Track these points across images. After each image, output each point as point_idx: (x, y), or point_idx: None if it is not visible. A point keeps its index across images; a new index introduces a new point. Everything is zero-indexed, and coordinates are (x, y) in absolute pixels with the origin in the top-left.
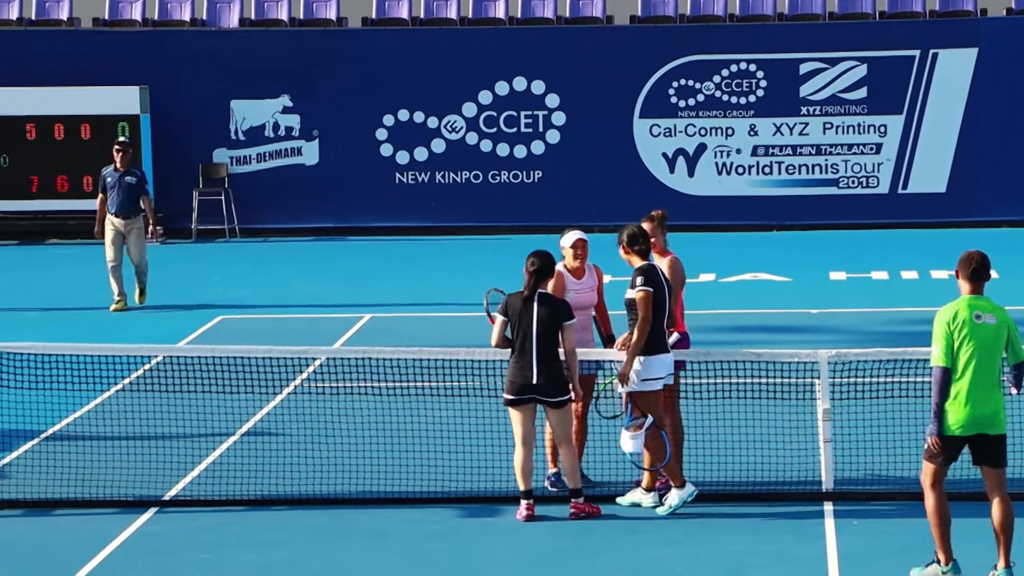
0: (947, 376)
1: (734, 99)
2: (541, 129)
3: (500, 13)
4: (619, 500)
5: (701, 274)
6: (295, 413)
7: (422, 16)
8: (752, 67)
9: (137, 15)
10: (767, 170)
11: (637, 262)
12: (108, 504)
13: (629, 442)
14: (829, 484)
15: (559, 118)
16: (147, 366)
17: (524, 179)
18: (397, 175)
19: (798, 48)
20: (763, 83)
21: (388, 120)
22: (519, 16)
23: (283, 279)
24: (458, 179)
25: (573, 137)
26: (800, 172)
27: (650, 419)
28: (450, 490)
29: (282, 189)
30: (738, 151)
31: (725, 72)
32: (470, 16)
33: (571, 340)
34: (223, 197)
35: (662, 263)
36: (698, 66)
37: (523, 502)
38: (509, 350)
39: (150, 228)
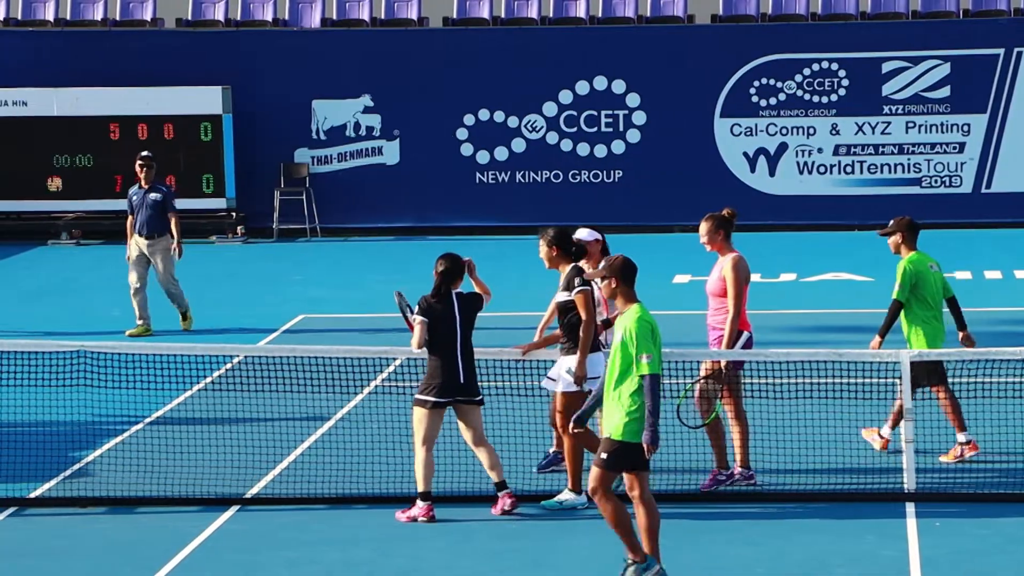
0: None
1: (816, 98)
2: (621, 128)
3: (581, 12)
4: (544, 503)
5: (782, 274)
6: (375, 412)
7: (503, 16)
8: (834, 66)
9: (220, 15)
10: (849, 169)
11: (566, 265)
12: (190, 502)
13: None
14: (911, 484)
15: (640, 117)
16: (228, 365)
17: (604, 179)
18: (477, 175)
19: (880, 47)
20: (845, 82)
21: (469, 120)
22: (600, 15)
23: (363, 278)
24: (538, 179)
25: (654, 136)
26: (882, 172)
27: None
28: (529, 488)
29: (363, 189)
30: (819, 150)
31: (807, 71)
32: (551, 16)
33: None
34: (304, 197)
35: (725, 261)
36: (779, 65)
37: (423, 504)
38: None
39: (174, 247)
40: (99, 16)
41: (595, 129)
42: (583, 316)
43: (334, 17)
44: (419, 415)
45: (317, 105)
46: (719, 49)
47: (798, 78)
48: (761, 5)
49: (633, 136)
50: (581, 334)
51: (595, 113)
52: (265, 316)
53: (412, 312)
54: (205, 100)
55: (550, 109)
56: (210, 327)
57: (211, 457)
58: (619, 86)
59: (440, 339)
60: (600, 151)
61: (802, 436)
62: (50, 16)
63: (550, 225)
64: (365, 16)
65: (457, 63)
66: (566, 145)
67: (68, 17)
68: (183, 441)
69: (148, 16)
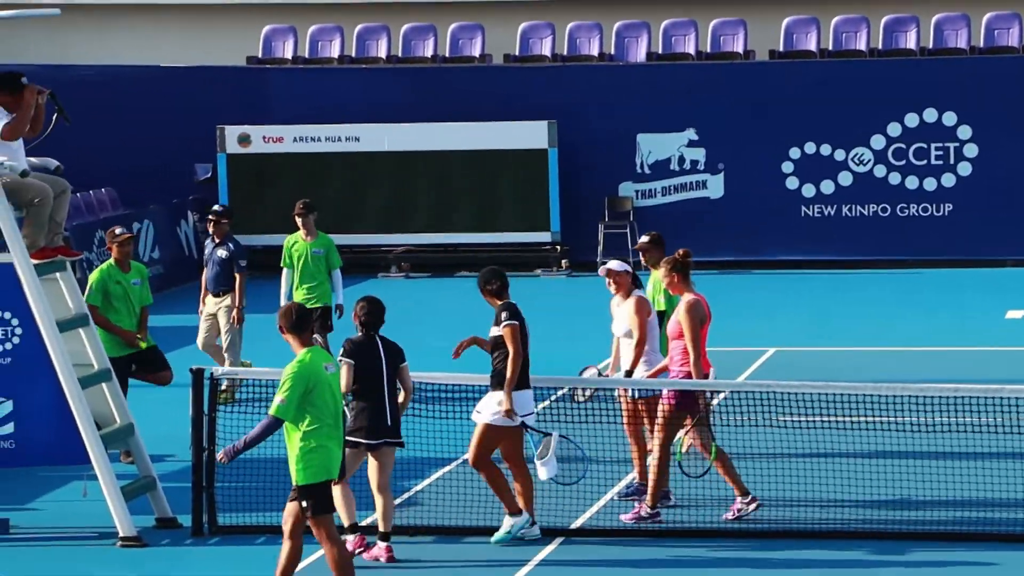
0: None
1: None
2: (952, 161)
3: (911, 44)
4: (494, 539)
5: None
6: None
7: (830, 48)
8: None
9: (547, 51)
10: None
11: (496, 301)
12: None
13: (543, 469)
14: None
15: (971, 150)
16: (553, 397)
17: (934, 212)
18: (803, 208)
19: None
20: None
21: (794, 153)
22: (931, 47)
23: None
24: (865, 212)
25: (986, 169)
26: None
27: (555, 435)
28: (863, 524)
29: (686, 222)
30: None
31: None
32: (880, 47)
33: (408, 381)
34: (628, 230)
35: (681, 304)
36: None
37: (353, 536)
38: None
39: (234, 312)
40: (429, 53)
41: (924, 162)
42: (510, 350)
43: (659, 51)
44: (350, 456)
45: (642, 139)
46: None
47: None
48: None
49: (964, 169)
50: (508, 367)
51: (924, 146)
52: (589, 351)
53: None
54: (531, 134)
55: (878, 142)
56: (535, 359)
57: (538, 490)
58: (950, 118)
59: (367, 382)
60: (929, 184)
61: None
62: (382, 54)
63: (493, 266)
64: (691, 50)
65: (783, 96)
66: (894, 178)
67: (400, 54)
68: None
69: (476, 52)
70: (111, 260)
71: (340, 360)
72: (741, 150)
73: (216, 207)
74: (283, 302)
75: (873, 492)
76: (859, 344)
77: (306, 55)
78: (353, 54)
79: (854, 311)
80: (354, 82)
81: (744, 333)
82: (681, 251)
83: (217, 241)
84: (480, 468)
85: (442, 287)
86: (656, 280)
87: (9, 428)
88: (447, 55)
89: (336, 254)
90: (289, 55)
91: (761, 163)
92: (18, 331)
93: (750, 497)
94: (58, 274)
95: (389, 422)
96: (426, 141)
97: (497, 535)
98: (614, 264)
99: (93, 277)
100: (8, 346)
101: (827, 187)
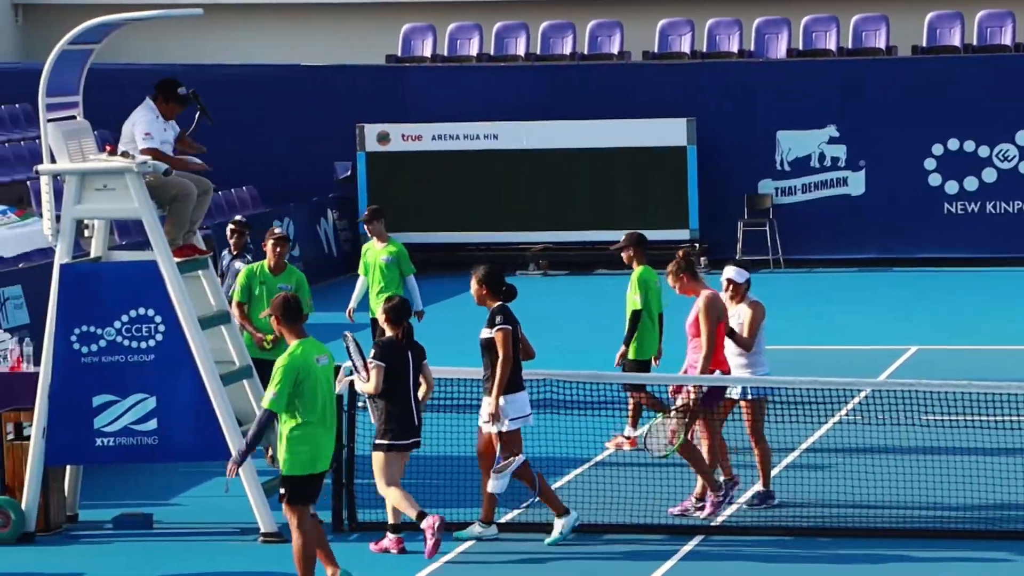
0: None
1: None
2: None
3: None
4: (457, 534)
5: None
6: (840, 444)
7: (975, 43)
8: None
9: (685, 47)
10: None
11: (491, 303)
12: (655, 530)
13: (495, 483)
14: None
15: None
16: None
17: None
18: (945, 205)
19: None
20: None
21: (937, 149)
22: None
23: (824, 310)
24: (1010, 209)
25: None
26: None
27: (520, 459)
28: (1010, 524)
29: (826, 220)
30: None
31: None
32: None
33: (431, 376)
34: (767, 228)
35: (699, 300)
36: None
37: (392, 536)
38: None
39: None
40: (567, 51)
41: None
42: (500, 354)
43: (800, 48)
44: (382, 459)
45: (781, 136)
46: None
47: None
48: None
49: None
50: (498, 372)
51: None
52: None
53: (362, 358)
54: (670, 132)
55: (1023, 138)
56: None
57: (674, 486)
58: None
59: (395, 383)
60: None
61: None
62: (521, 52)
63: (484, 263)
64: (832, 47)
65: (926, 92)
66: None
67: (538, 52)
68: (649, 469)
69: (615, 49)
70: (264, 260)
71: (370, 362)
72: (883, 147)
73: (238, 217)
74: (351, 306)
75: (1019, 493)
76: (1002, 343)
77: (445, 53)
78: (492, 52)
79: (998, 309)
80: (492, 80)
81: (885, 331)
82: (681, 251)
83: (235, 253)
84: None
85: (580, 285)
86: (634, 280)
87: (152, 424)
88: (585, 53)
89: (407, 261)
90: (428, 53)
91: (903, 160)
92: (161, 328)
93: (715, 496)
94: (200, 272)
95: (416, 422)
96: (564, 139)
97: (462, 532)
98: (733, 273)
99: (241, 274)
100: (151, 343)
101: (971, 184)
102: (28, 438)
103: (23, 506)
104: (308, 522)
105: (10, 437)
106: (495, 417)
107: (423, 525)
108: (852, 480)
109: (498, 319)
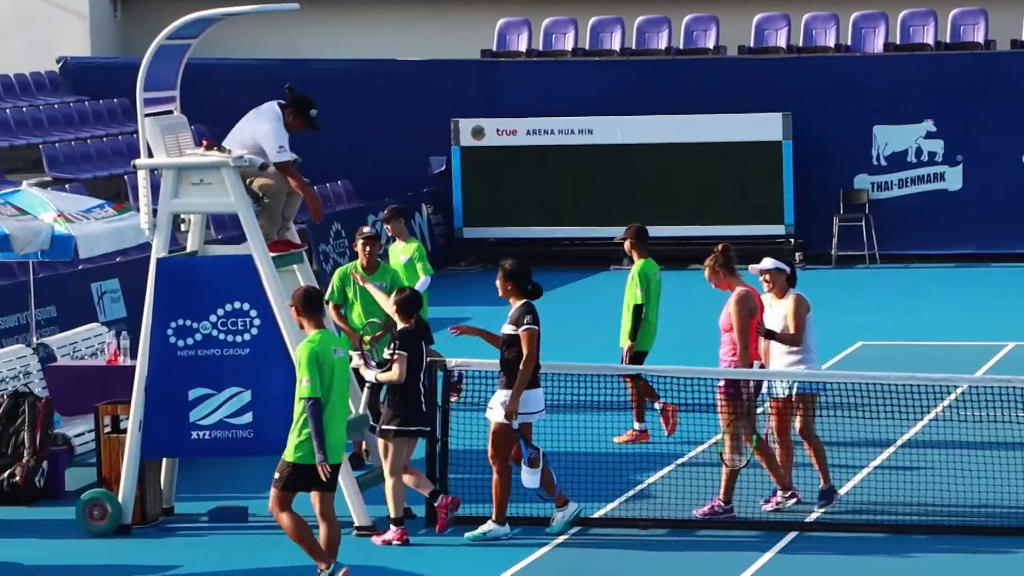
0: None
1: None
2: None
3: None
4: (468, 535)
5: None
6: (936, 441)
7: None
8: None
9: (782, 42)
10: None
11: (516, 300)
12: (750, 525)
13: (530, 478)
14: None
15: None
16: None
17: None
18: None
19: None
20: None
21: None
22: None
23: (922, 305)
24: None
25: None
26: None
27: (540, 451)
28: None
29: (923, 215)
30: None
31: None
32: None
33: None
34: (863, 223)
35: (732, 296)
36: None
37: (396, 528)
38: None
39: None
40: (663, 45)
41: None
42: (525, 352)
43: (897, 42)
44: (394, 445)
45: (878, 131)
46: None
47: None
48: None
49: None
50: (521, 369)
51: None
52: (823, 343)
53: (373, 358)
54: (766, 126)
55: None
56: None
57: (764, 483)
58: None
59: (413, 371)
60: None
61: None
62: (616, 46)
63: (511, 259)
64: (930, 40)
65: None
66: None
67: (633, 47)
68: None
69: (711, 44)
70: (357, 260)
71: (395, 354)
72: (980, 141)
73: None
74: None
75: None
76: None
77: (540, 48)
78: (586, 47)
79: None
80: (587, 75)
81: (982, 327)
82: (720, 246)
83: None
84: (494, 464)
85: (674, 280)
86: (635, 273)
87: (248, 418)
88: (681, 47)
89: (425, 260)
90: (523, 48)
91: (1001, 155)
92: (256, 322)
93: (791, 492)
94: (296, 266)
95: (424, 408)
96: (659, 134)
97: (474, 532)
98: (767, 262)
99: (335, 276)
100: (246, 337)
101: None
102: (125, 431)
103: (120, 499)
104: (289, 506)
105: (107, 430)
106: (511, 414)
107: (436, 504)
108: (948, 477)
109: (527, 319)
